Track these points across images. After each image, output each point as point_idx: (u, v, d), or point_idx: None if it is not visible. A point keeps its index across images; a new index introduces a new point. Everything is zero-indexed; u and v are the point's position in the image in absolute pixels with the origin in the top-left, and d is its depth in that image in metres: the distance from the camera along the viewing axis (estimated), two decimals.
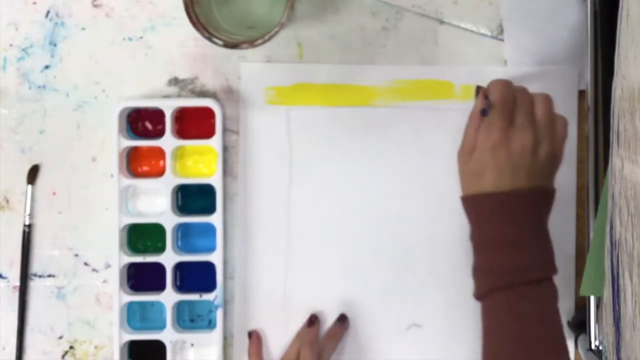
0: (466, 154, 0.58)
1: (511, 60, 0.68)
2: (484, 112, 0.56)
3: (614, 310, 0.52)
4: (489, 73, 0.68)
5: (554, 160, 0.58)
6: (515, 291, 0.55)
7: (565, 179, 0.68)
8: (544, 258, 0.57)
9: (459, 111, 0.68)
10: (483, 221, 0.57)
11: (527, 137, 0.56)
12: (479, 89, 0.61)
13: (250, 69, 0.69)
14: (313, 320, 0.68)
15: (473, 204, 0.57)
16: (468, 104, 0.68)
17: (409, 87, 0.68)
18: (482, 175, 0.56)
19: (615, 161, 0.52)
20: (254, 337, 0.68)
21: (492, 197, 0.56)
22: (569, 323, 0.68)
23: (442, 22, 0.68)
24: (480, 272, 0.57)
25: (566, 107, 0.68)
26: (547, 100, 0.58)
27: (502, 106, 0.57)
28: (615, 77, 0.53)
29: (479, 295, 0.57)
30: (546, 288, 0.56)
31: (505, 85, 0.58)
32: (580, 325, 0.65)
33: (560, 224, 0.68)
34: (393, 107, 0.68)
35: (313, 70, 0.68)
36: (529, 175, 0.56)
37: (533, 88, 0.68)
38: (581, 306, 0.67)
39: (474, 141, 0.58)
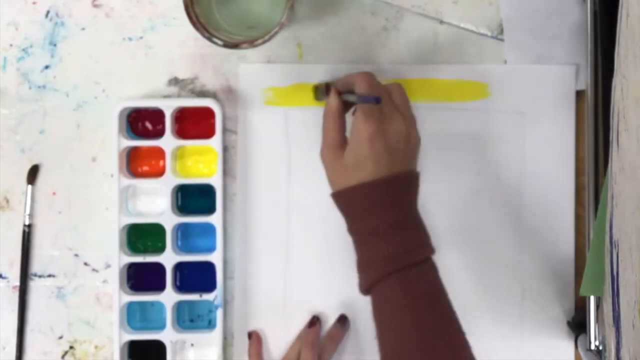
0: (335, 149, 0.58)
1: (511, 60, 0.68)
2: (378, 100, 0.56)
3: (613, 310, 0.52)
4: (489, 71, 0.68)
5: (419, 144, 0.60)
6: (405, 274, 0.55)
7: (564, 179, 0.68)
8: (424, 238, 0.57)
9: (459, 110, 0.68)
10: (365, 211, 0.57)
11: (399, 123, 0.57)
12: (327, 86, 0.61)
13: (248, 70, 0.69)
14: (314, 321, 0.68)
15: (352, 196, 0.57)
16: (469, 103, 0.68)
17: (408, 86, 0.68)
18: (360, 166, 0.57)
19: (615, 161, 0.52)
20: (254, 338, 0.68)
21: (372, 185, 0.56)
22: (569, 323, 0.68)
23: (442, 22, 0.68)
24: (368, 263, 0.57)
25: (564, 107, 0.68)
26: (402, 88, 0.60)
27: (373, 95, 0.58)
28: (615, 77, 0.53)
29: (369, 286, 0.56)
30: (430, 267, 0.57)
31: (371, 76, 0.59)
32: (580, 325, 0.65)
33: (560, 224, 0.68)
34: None
35: (310, 70, 0.68)
36: (402, 161, 0.58)
37: (531, 87, 0.68)
38: (581, 306, 0.67)
39: (340, 136, 0.59)
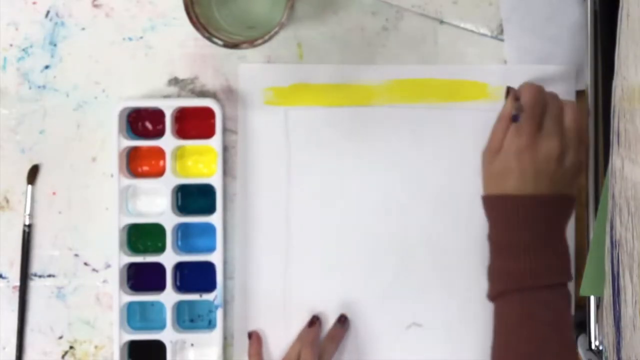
0: (491, 154, 0.59)
1: (511, 60, 0.68)
2: (515, 118, 0.57)
3: (614, 310, 0.52)
4: (489, 71, 0.68)
5: (578, 169, 0.59)
6: (529, 295, 0.55)
7: None
8: (560, 264, 0.57)
9: (459, 110, 0.68)
10: (502, 223, 0.57)
11: (554, 144, 0.57)
12: (509, 90, 0.61)
13: (248, 70, 0.69)
14: (314, 321, 0.68)
15: (494, 204, 0.58)
16: (469, 103, 0.68)
17: (408, 86, 0.68)
18: (506, 177, 0.57)
19: (615, 161, 0.52)
20: (254, 338, 0.68)
21: (514, 200, 0.56)
22: None
23: (442, 22, 0.68)
24: (496, 273, 0.57)
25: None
26: (577, 108, 0.59)
27: (533, 111, 0.57)
28: (615, 77, 0.53)
29: (493, 295, 0.57)
30: (560, 294, 0.57)
31: (537, 90, 0.59)
32: (580, 325, 0.65)
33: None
34: (392, 107, 0.68)
35: (310, 70, 0.68)
36: (551, 182, 0.57)
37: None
38: (581, 306, 0.67)
39: (500, 143, 0.58)
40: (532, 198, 0.56)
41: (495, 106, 0.68)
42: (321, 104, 0.68)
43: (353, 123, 0.68)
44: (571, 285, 0.57)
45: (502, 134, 0.58)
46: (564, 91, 0.68)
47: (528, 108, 0.57)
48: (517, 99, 0.59)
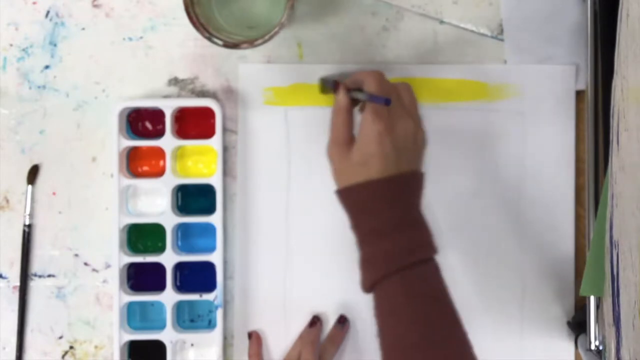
0: (341, 146, 0.59)
1: (511, 60, 0.68)
2: (388, 102, 0.57)
3: (614, 310, 0.52)
4: (490, 71, 0.68)
5: (425, 144, 0.60)
6: (406, 274, 0.55)
7: (564, 179, 0.68)
8: (427, 238, 0.57)
9: (459, 110, 0.68)
10: (370, 209, 0.57)
11: (408, 123, 0.58)
12: (335, 83, 0.61)
13: (248, 70, 0.69)
14: (315, 321, 0.68)
15: (355, 193, 0.57)
16: (469, 103, 0.68)
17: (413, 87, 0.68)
18: (367, 164, 0.57)
19: (615, 161, 0.52)
20: (254, 338, 0.68)
21: (379, 183, 0.56)
22: (569, 323, 0.68)
23: (442, 22, 0.68)
24: (370, 261, 0.57)
25: (564, 107, 0.68)
26: (410, 88, 0.60)
27: (385, 94, 0.58)
28: (615, 77, 0.53)
29: (372, 284, 0.56)
30: (433, 267, 0.57)
31: (381, 76, 0.60)
32: (580, 325, 0.65)
33: (560, 224, 0.68)
34: None
35: (310, 70, 0.68)
36: (410, 160, 0.58)
37: (531, 87, 0.68)
38: (581, 306, 0.67)
39: (348, 132, 0.59)
40: (394, 178, 0.56)
41: (495, 106, 0.68)
42: (321, 104, 0.68)
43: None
44: (438, 258, 0.57)
45: (347, 125, 0.59)
46: (564, 91, 0.68)
47: (379, 93, 0.58)
48: (354, 89, 0.60)
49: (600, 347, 0.62)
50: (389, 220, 0.56)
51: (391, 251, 0.55)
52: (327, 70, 0.68)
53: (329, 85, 0.63)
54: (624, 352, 0.50)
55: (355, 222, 0.58)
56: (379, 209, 0.56)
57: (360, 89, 0.60)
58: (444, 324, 0.55)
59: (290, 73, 0.68)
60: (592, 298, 0.63)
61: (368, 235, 0.57)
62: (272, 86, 0.69)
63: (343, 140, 0.59)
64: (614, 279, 0.52)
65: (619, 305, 0.51)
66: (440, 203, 0.68)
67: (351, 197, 0.58)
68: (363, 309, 0.68)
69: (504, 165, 0.68)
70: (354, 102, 0.60)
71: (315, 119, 0.68)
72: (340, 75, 0.64)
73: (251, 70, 0.69)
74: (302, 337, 0.67)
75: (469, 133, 0.68)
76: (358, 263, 0.58)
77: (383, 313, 0.56)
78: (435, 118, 0.68)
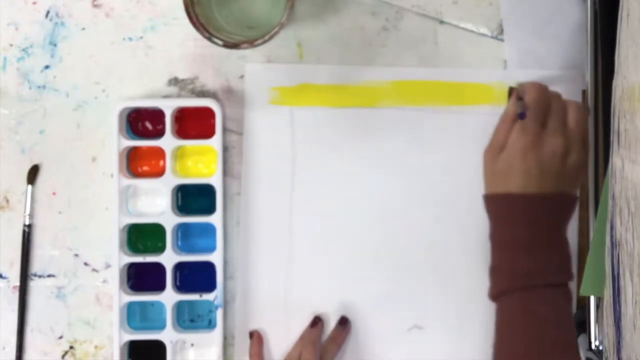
0: (494, 153, 0.58)
1: (511, 60, 0.68)
2: (522, 116, 0.56)
3: (614, 310, 0.52)
4: (493, 75, 0.68)
5: (580, 168, 0.59)
6: (532, 293, 0.55)
7: None
8: (562, 263, 0.57)
9: (462, 113, 0.68)
10: (505, 221, 0.57)
11: (559, 143, 0.57)
12: (512, 90, 0.61)
13: (254, 69, 0.68)
14: (316, 322, 0.68)
15: (497, 203, 0.58)
16: (472, 107, 0.68)
17: (414, 88, 0.68)
18: (509, 176, 0.57)
19: (615, 161, 0.52)
20: (255, 337, 0.68)
21: (518, 198, 0.56)
22: None
23: (442, 22, 0.68)
24: (498, 271, 0.57)
25: None
26: (580, 108, 0.59)
27: (537, 109, 0.58)
28: (615, 77, 0.53)
29: (495, 294, 0.57)
30: (562, 293, 0.57)
31: (542, 89, 0.59)
32: (580, 325, 0.65)
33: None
34: (397, 109, 0.68)
35: (316, 70, 0.68)
36: (555, 181, 0.57)
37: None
38: (581, 306, 0.67)
39: (504, 141, 0.58)
40: (536, 196, 0.56)
41: (498, 110, 0.68)
42: (327, 105, 0.68)
43: (358, 124, 0.68)
44: (572, 285, 0.57)
45: (505, 133, 0.58)
46: (570, 96, 0.67)
47: (533, 106, 0.57)
48: (520, 98, 0.59)
49: (601, 347, 0.62)
50: (522, 237, 0.56)
51: (518, 268, 0.56)
52: (332, 70, 0.68)
53: (510, 93, 0.62)
54: (624, 353, 0.50)
55: (492, 230, 0.58)
56: (515, 224, 0.56)
57: (522, 98, 0.59)
58: (556, 351, 0.55)
59: (297, 73, 0.68)
60: (592, 298, 0.63)
61: (501, 245, 0.57)
62: (278, 86, 0.68)
63: (498, 147, 0.58)
64: (615, 279, 0.52)
65: (619, 305, 0.51)
66: (441, 205, 0.68)
67: (492, 204, 0.58)
68: (364, 310, 0.68)
69: None
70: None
71: (321, 120, 0.68)
72: (522, 83, 0.63)
73: (257, 69, 0.68)
74: (303, 338, 0.67)
75: (472, 137, 0.68)
76: (489, 269, 0.58)
77: (501, 327, 0.56)
78: (438, 121, 0.68)
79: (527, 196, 0.56)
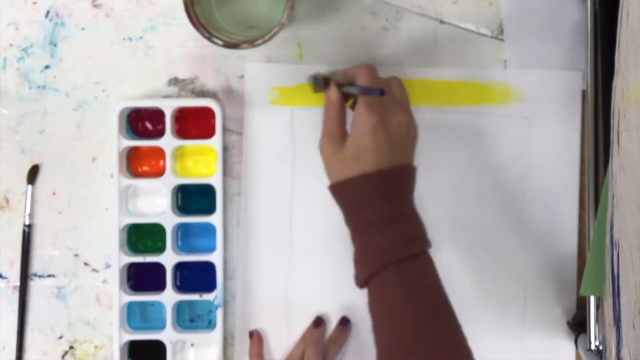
0: (334, 140, 0.58)
1: (511, 60, 0.68)
2: (383, 92, 0.56)
3: (614, 310, 0.52)
4: (495, 75, 0.68)
5: (416, 139, 0.60)
6: (403, 265, 0.55)
7: (567, 181, 0.68)
8: (421, 231, 0.57)
9: (461, 113, 0.68)
10: (363, 202, 0.57)
11: (401, 116, 0.58)
12: (327, 79, 0.61)
13: (255, 69, 0.68)
14: (319, 322, 0.68)
15: (352, 187, 0.57)
16: (471, 107, 0.68)
17: (413, 88, 0.68)
18: (361, 157, 0.57)
19: (615, 161, 0.52)
20: (255, 337, 0.68)
21: (373, 176, 0.56)
22: (568, 323, 0.68)
23: (442, 22, 0.69)
24: (365, 255, 0.57)
25: (569, 112, 0.68)
26: (400, 82, 0.61)
27: (375, 88, 0.58)
28: (615, 77, 0.53)
29: (366, 278, 0.56)
30: (427, 260, 0.57)
31: (372, 69, 0.60)
32: (580, 325, 0.65)
33: (563, 225, 0.68)
34: None
35: (318, 70, 0.68)
36: (403, 153, 0.58)
37: (537, 92, 0.68)
38: (581, 306, 0.67)
39: (341, 127, 0.59)
40: (387, 171, 0.56)
41: (499, 110, 0.68)
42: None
43: None
44: (431, 252, 0.57)
45: (340, 120, 0.59)
46: (570, 96, 0.68)
47: (374, 85, 0.58)
48: (344, 84, 0.60)
49: (601, 347, 0.62)
50: (383, 213, 0.56)
51: (386, 244, 0.55)
52: (336, 69, 0.68)
53: (319, 84, 0.63)
54: (624, 352, 0.50)
55: (350, 217, 0.58)
56: (373, 202, 0.56)
57: (352, 84, 0.59)
58: (439, 315, 0.55)
59: (297, 73, 0.68)
60: (592, 298, 0.63)
61: (363, 229, 0.57)
62: (279, 86, 0.68)
63: (336, 135, 0.59)
64: (615, 279, 0.52)
65: (619, 305, 0.51)
66: (443, 204, 0.68)
67: (345, 191, 0.58)
68: (365, 311, 0.68)
69: (507, 167, 0.68)
70: (345, 98, 0.60)
71: (321, 120, 0.68)
72: (330, 73, 0.64)
73: (257, 69, 0.68)
74: (305, 338, 0.67)
75: (472, 136, 0.68)
76: (353, 258, 0.58)
77: (378, 305, 0.56)
78: (438, 121, 0.68)
79: (380, 172, 0.56)
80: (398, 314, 0.54)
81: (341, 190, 0.58)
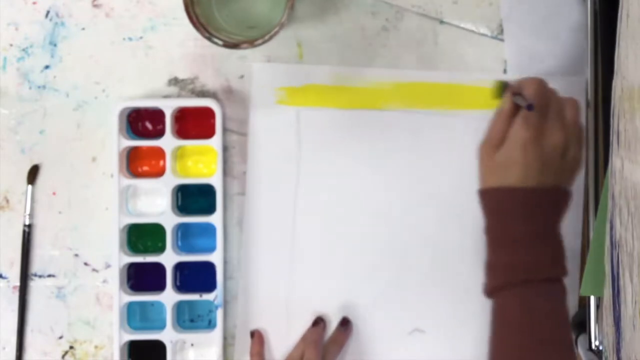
0: (491, 147, 0.58)
1: (511, 60, 0.68)
2: (529, 107, 0.56)
3: (614, 310, 0.52)
4: (494, 77, 0.68)
5: (577, 164, 0.59)
6: (530, 288, 0.55)
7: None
8: (557, 258, 0.57)
9: (464, 116, 0.68)
10: (502, 215, 0.57)
11: (559, 137, 0.57)
12: (506, 85, 0.61)
13: (261, 69, 0.68)
14: (319, 322, 0.68)
15: (494, 197, 0.57)
16: (473, 111, 0.68)
17: (418, 91, 0.68)
18: (509, 169, 0.56)
19: (615, 161, 0.52)
20: (257, 337, 0.68)
21: (518, 191, 0.56)
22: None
23: (442, 22, 0.68)
24: (494, 267, 0.57)
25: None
26: (576, 105, 0.59)
27: (540, 103, 0.57)
28: (615, 77, 0.53)
29: (491, 290, 0.57)
30: (557, 288, 0.56)
31: (541, 83, 0.59)
32: (580, 325, 0.65)
33: (564, 224, 0.68)
34: (402, 112, 0.68)
35: (323, 71, 0.68)
36: (553, 175, 0.57)
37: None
38: (581, 306, 0.67)
39: (501, 136, 0.58)
40: (534, 190, 0.56)
41: None
42: (334, 106, 0.68)
43: (362, 126, 0.68)
44: (566, 281, 0.57)
45: (503, 128, 0.58)
46: (569, 96, 0.67)
47: (536, 99, 0.57)
48: (517, 93, 0.59)
49: (601, 347, 0.62)
50: (520, 231, 0.56)
51: (518, 263, 0.55)
52: (338, 72, 0.68)
53: (500, 89, 0.62)
54: (624, 353, 0.50)
55: (488, 225, 0.58)
56: (513, 218, 0.56)
57: (520, 94, 0.58)
58: (556, 350, 0.55)
59: (304, 73, 0.68)
60: (592, 298, 0.63)
61: (498, 240, 0.57)
62: (285, 86, 0.68)
63: (494, 142, 0.58)
64: (615, 279, 0.52)
65: (619, 305, 0.51)
66: (444, 207, 0.68)
67: (489, 199, 0.58)
68: (366, 312, 0.68)
69: None
70: (518, 109, 0.59)
71: (327, 121, 0.68)
72: (514, 81, 0.63)
73: (263, 69, 0.68)
74: (305, 337, 0.67)
75: (472, 140, 0.68)
76: (484, 265, 0.58)
77: (498, 322, 0.56)
78: (441, 123, 0.68)
79: (526, 189, 0.56)
80: (513, 335, 0.55)
81: (485, 198, 0.58)
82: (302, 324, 0.68)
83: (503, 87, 0.61)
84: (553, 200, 0.57)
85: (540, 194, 0.56)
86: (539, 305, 0.55)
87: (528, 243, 0.56)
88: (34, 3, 0.69)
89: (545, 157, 0.56)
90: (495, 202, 0.57)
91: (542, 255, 0.56)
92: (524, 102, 0.57)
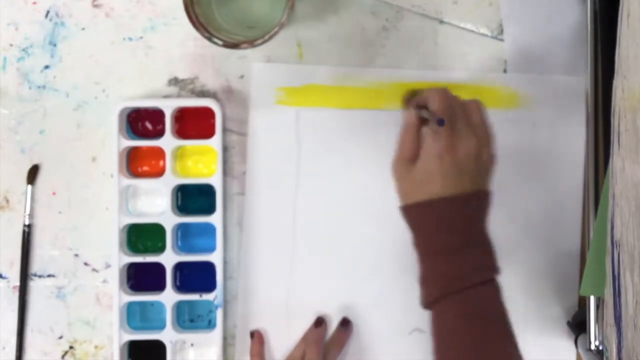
0: (405, 163, 0.58)
1: (511, 61, 0.68)
2: (441, 122, 0.56)
3: (614, 310, 0.52)
4: (493, 77, 0.68)
5: (492, 163, 0.59)
6: (465, 295, 0.55)
7: (570, 180, 0.68)
8: (488, 259, 0.57)
9: None
10: (430, 228, 0.57)
11: (471, 143, 0.57)
12: (408, 99, 0.61)
13: (260, 69, 0.68)
14: (320, 322, 0.68)
15: (418, 212, 0.57)
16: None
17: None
18: (428, 182, 0.56)
19: (616, 161, 0.52)
20: (257, 337, 0.68)
21: (440, 202, 0.56)
22: (569, 323, 0.68)
23: (442, 22, 0.69)
24: (427, 280, 0.57)
25: (574, 114, 0.68)
26: (480, 106, 0.59)
27: (447, 114, 0.57)
28: (615, 77, 0.53)
29: (428, 302, 0.56)
30: (490, 288, 0.56)
31: (444, 93, 0.59)
32: (580, 325, 0.65)
33: (564, 225, 0.68)
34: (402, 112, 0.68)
35: (323, 71, 0.68)
36: (472, 180, 0.57)
37: (541, 96, 0.68)
38: (581, 306, 0.67)
39: (414, 149, 0.58)
40: (455, 198, 0.56)
41: (501, 113, 0.68)
42: (333, 106, 0.68)
43: (362, 126, 0.68)
44: (499, 278, 0.57)
45: (413, 142, 0.58)
46: (574, 101, 0.67)
47: (443, 112, 0.57)
48: (421, 106, 0.59)
49: (601, 347, 0.62)
50: (449, 240, 0.56)
51: (450, 272, 0.55)
52: (338, 72, 0.68)
53: (405, 100, 0.62)
54: (624, 353, 0.50)
55: (417, 240, 0.58)
56: (440, 228, 0.56)
57: (425, 107, 0.59)
58: (499, 347, 0.55)
59: (303, 73, 0.68)
60: (592, 298, 0.63)
61: (429, 253, 0.57)
62: (285, 86, 0.68)
63: (407, 157, 0.58)
64: (615, 279, 0.52)
65: (619, 305, 0.51)
66: None
67: (413, 215, 0.58)
68: (366, 312, 0.68)
69: (509, 167, 0.68)
70: (424, 119, 0.59)
71: (327, 121, 0.68)
72: (418, 91, 0.62)
73: (263, 69, 0.68)
74: (306, 337, 0.67)
75: None
76: (418, 279, 0.58)
77: (439, 332, 0.56)
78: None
79: (446, 199, 0.56)
80: (457, 343, 0.55)
81: (409, 214, 0.58)
82: (302, 324, 0.68)
83: (406, 99, 0.61)
84: (475, 204, 0.57)
85: (461, 201, 0.56)
86: (474, 309, 0.55)
87: (456, 251, 0.56)
88: (34, 3, 0.69)
89: (461, 164, 0.56)
90: (420, 216, 0.57)
91: (471, 261, 0.56)
92: (432, 116, 0.57)
